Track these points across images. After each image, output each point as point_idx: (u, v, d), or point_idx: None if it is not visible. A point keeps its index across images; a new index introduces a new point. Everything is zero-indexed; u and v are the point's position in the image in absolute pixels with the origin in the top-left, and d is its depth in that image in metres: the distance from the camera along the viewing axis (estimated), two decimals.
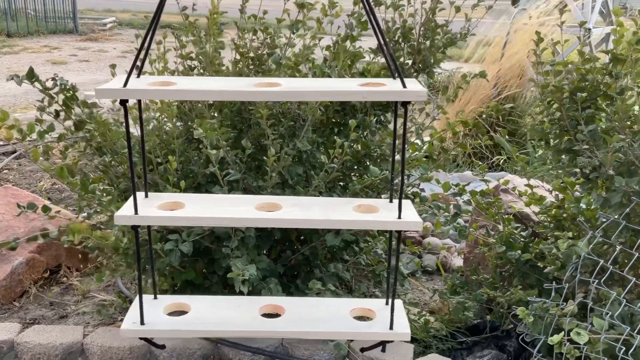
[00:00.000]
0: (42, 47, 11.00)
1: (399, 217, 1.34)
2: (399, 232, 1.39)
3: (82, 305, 2.53)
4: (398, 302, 1.51)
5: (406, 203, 1.42)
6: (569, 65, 1.95)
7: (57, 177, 2.08)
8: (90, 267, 2.74)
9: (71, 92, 2.05)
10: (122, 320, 2.39)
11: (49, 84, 2.03)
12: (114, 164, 2.14)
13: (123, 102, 1.25)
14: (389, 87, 1.29)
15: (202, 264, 2.12)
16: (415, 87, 1.26)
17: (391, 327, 1.43)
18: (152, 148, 2.05)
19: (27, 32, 12.07)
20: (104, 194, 2.13)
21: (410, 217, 1.34)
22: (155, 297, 1.45)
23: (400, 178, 1.43)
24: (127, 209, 1.32)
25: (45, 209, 2.20)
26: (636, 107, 1.86)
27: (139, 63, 1.28)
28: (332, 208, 1.42)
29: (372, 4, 1.37)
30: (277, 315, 1.46)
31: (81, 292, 2.61)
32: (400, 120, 1.32)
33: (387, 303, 1.48)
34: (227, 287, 2.08)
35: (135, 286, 2.62)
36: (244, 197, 1.49)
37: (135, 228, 1.34)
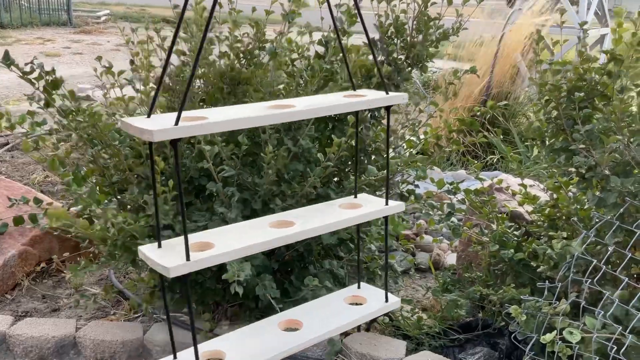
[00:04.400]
0: (36, 39, 10.94)
1: (387, 204, 1.53)
2: (386, 217, 1.60)
3: (74, 298, 2.52)
4: (367, 285, 1.70)
5: (367, 196, 1.62)
6: (567, 65, 1.96)
7: (48, 169, 2.06)
8: (84, 260, 2.73)
9: (52, 77, 2.00)
10: (114, 313, 2.39)
11: (28, 68, 1.98)
12: (105, 156, 2.12)
13: (174, 142, 1.17)
14: (371, 96, 1.46)
15: None
16: (395, 93, 1.48)
17: (386, 300, 1.60)
18: (142, 141, 2.04)
19: (21, 24, 12.00)
20: (96, 187, 2.12)
21: (393, 204, 1.54)
22: (175, 357, 1.41)
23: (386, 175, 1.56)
24: (172, 258, 1.25)
25: (37, 201, 2.19)
26: (633, 108, 1.87)
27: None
28: (327, 212, 1.53)
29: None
30: (295, 329, 1.52)
31: (73, 285, 2.60)
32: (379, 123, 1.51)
33: (359, 287, 1.67)
34: (220, 282, 2.08)
35: (128, 280, 2.61)
36: (255, 221, 1.50)
37: (186, 277, 1.26)
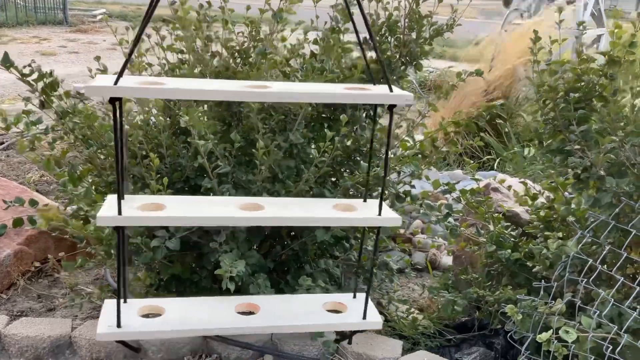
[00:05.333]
0: (31, 37, 10.91)
1: (379, 214, 1.39)
2: (378, 228, 1.47)
3: (70, 297, 2.51)
4: (362, 295, 1.58)
5: (376, 203, 1.48)
6: (565, 65, 1.95)
7: (43, 169, 2.06)
8: (79, 259, 2.72)
9: (50, 79, 2.01)
10: None
11: (27, 70, 1.98)
12: (101, 156, 2.12)
13: (113, 101, 1.23)
14: (374, 91, 1.35)
15: (191, 258, 2.11)
16: (400, 91, 1.34)
17: (364, 317, 1.49)
18: (138, 141, 2.04)
19: (17, 23, 11.97)
20: (92, 186, 2.12)
21: (389, 214, 1.40)
22: (125, 301, 1.43)
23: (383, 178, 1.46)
24: (109, 209, 1.29)
25: (33, 202, 2.17)
26: (627, 109, 1.87)
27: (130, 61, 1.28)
28: (312, 207, 1.45)
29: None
30: (253, 313, 1.48)
31: (69, 284, 2.59)
32: (377, 122, 1.37)
33: (354, 297, 1.57)
34: (216, 282, 2.07)
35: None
36: (226, 198, 1.49)
37: (118, 229, 1.31)
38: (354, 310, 1.51)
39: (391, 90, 1.33)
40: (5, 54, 1.91)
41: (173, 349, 2.11)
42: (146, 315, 1.41)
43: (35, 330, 2.14)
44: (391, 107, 1.36)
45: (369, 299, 1.52)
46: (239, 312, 1.47)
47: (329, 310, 1.53)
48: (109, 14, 13.95)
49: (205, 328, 1.40)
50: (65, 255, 2.69)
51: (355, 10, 1.95)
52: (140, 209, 1.32)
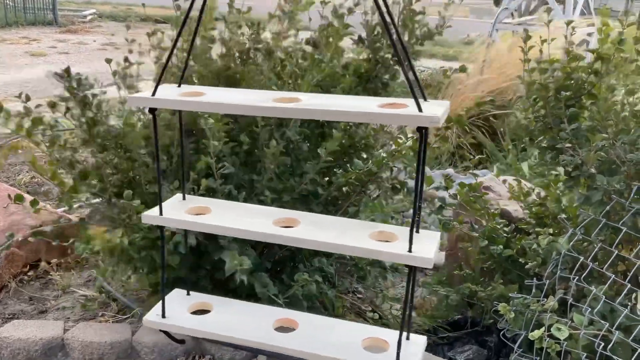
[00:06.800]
0: (21, 38, 10.86)
1: (409, 251, 1.23)
2: (411, 267, 1.26)
3: (62, 300, 2.50)
4: (421, 339, 1.42)
5: (431, 235, 1.32)
6: (555, 64, 1.97)
7: (38, 172, 2.05)
8: (71, 262, 2.71)
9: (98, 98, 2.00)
10: (103, 315, 2.38)
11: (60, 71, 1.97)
12: (117, 161, 2.08)
13: (152, 110, 1.31)
14: (408, 110, 1.19)
15: (191, 258, 2.11)
16: (432, 110, 1.16)
17: None
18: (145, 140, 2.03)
19: (6, 23, 11.92)
20: (96, 188, 2.10)
21: (422, 253, 1.22)
22: (189, 294, 1.55)
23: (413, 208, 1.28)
24: (155, 209, 1.39)
25: (34, 202, 2.16)
26: (618, 106, 1.88)
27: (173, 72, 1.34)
28: (348, 232, 1.35)
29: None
30: (289, 329, 1.46)
31: (61, 286, 2.58)
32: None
33: (407, 338, 1.39)
34: (213, 282, 2.08)
35: (116, 282, 2.60)
36: (265, 209, 1.49)
37: (160, 228, 1.43)
38: (394, 353, 1.32)
39: (420, 111, 1.14)
40: (67, 68, 1.93)
41: (166, 349, 2.10)
42: (197, 311, 1.47)
43: (27, 333, 2.13)
44: (421, 130, 1.17)
45: (423, 343, 1.39)
46: (276, 328, 1.45)
47: (367, 347, 1.42)
48: (99, 14, 13.90)
49: (245, 339, 1.40)
50: (58, 256, 2.68)
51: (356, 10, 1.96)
52: (188, 211, 1.40)
